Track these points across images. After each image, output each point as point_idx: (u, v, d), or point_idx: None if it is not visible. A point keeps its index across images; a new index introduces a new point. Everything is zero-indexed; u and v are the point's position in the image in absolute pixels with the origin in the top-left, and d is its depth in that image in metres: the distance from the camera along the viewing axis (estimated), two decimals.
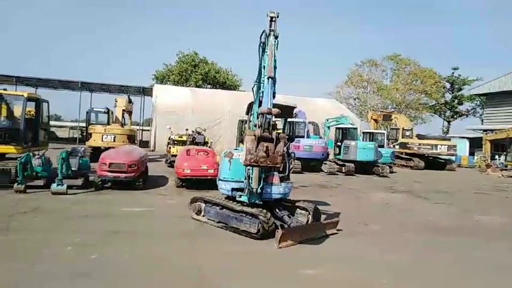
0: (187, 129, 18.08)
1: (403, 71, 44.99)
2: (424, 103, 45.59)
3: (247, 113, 7.03)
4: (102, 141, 16.42)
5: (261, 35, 6.22)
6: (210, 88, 39.91)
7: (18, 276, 4.15)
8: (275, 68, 5.91)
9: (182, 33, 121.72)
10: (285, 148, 5.72)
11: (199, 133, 17.04)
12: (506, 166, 24.66)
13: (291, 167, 6.89)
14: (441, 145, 24.63)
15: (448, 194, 13.07)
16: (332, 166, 17.57)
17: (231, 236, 6.11)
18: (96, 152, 13.99)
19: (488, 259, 5.70)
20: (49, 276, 4.19)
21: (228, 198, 6.70)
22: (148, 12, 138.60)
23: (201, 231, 6.36)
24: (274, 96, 5.91)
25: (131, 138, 17.57)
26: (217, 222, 6.55)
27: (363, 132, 22.81)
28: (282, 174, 6.43)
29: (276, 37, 6.08)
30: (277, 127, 6.22)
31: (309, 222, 6.51)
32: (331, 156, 19.38)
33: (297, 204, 6.89)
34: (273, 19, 6.14)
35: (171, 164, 15.02)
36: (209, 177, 10.22)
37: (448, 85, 49.51)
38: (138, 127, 32.78)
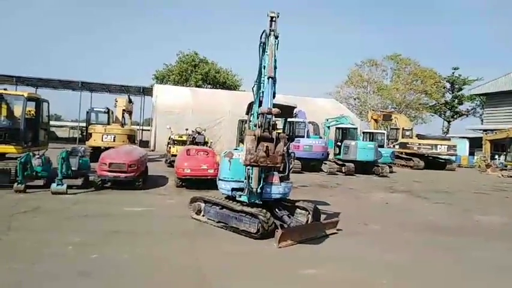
0: (187, 129, 18.09)
1: (403, 71, 44.98)
2: (424, 103, 45.58)
3: (247, 113, 7.04)
4: (102, 141, 16.43)
5: (261, 35, 6.23)
6: (210, 88, 39.93)
7: (18, 276, 4.15)
8: (275, 68, 5.92)
9: (182, 33, 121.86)
10: (285, 148, 5.73)
11: (199, 133, 17.05)
12: (506, 166, 24.66)
13: (290, 166, 6.89)
14: (441, 145, 24.64)
15: (447, 193, 13.07)
16: (332, 166, 17.57)
17: (231, 235, 6.11)
18: (96, 151, 13.99)
19: (488, 259, 5.70)
20: (49, 276, 4.20)
21: (228, 198, 6.70)
22: (148, 12, 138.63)
23: (200, 231, 6.36)
24: (274, 96, 5.92)
25: (131, 138, 17.58)
26: (217, 222, 6.55)
27: (363, 132, 22.81)
28: (281, 174, 6.43)
29: (276, 37, 6.08)
30: (277, 127, 6.22)
31: (309, 222, 6.51)
32: (331, 156, 19.39)
33: (296, 204, 6.89)
34: (273, 19, 6.15)
35: (171, 164, 15.03)
36: (209, 177, 10.22)
37: (448, 85, 49.51)
38: (138, 127, 32.77)
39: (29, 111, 11.13)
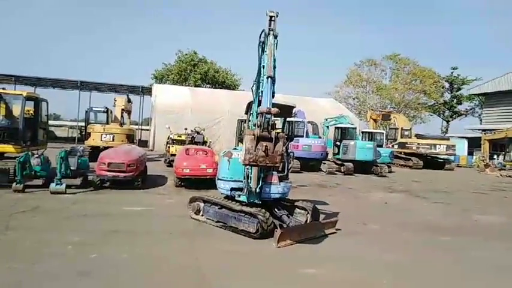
0: (186, 129, 18.09)
1: (402, 71, 45.00)
2: (423, 103, 45.61)
3: (246, 113, 7.04)
4: (101, 140, 16.42)
5: (261, 35, 6.22)
6: (209, 87, 39.90)
7: (18, 275, 4.14)
8: (274, 67, 5.92)
9: (182, 33, 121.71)
10: (284, 148, 5.72)
11: (198, 132, 17.05)
12: (504, 166, 24.72)
13: (290, 166, 6.89)
14: (440, 145, 24.68)
15: (446, 193, 13.09)
16: (331, 166, 17.58)
17: (230, 235, 6.12)
18: (95, 151, 13.98)
19: (487, 259, 5.71)
20: (49, 275, 4.19)
21: (227, 197, 6.70)
22: (148, 12, 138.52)
23: (200, 231, 6.36)
24: (273, 96, 5.92)
25: (130, 138, 17.56)
26: (216, 222, 6.55)
27: (362, 132, 22.82)
28: (281, 174, 6.44)
29: (276, 36, 6.08)
30: (277, 126, 6.22)
31: (308, 221, 6.52)
32: (330, 156, 19.40)
33: (295, 203, 6.89)
34: (273, 18, 6.14)
35: (170, 164, 15.02)
36: (208, 177, 10.21)
37: (447, 85, 49.55)
38: (137, 126, 32.76)
39: (28, 110, 11.11)
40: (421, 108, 45.15)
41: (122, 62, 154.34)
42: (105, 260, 4.72)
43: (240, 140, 13.08)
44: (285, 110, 6.86)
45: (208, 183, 9.94)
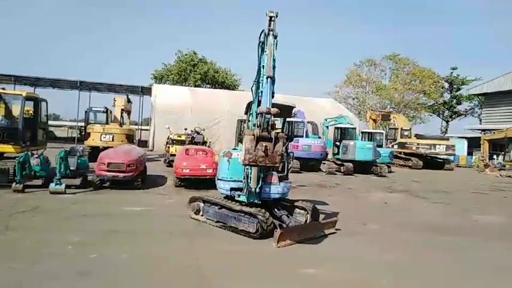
0: (186, 129, 18.10)
1: (401, 71, 45.02)
2: (423, 103, 45.63)
3: (246, 113, 7.04)
4: (101, 140, 16.40)
5: (260, 35, 6.22)
6: (209, 88, 39.90)
7: (18, 275, 4.14)
8: (274, 67, 5.92)
9: (182, 33, 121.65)
10: (283, 148, 5.72)
11: (198, 133, 17.06)
12: (504, 166, 24.71)
13: (289, 166, 6.90)
14: (439, 145, 24.68)
15: (446, 193, 13.10)
16: (331, 166, 17.59)
17: (230, 235, 6.12)
18: (95, 151, 13.97)
19: (487, 259, 5.72)
20: (49, 275, 4.19)
21: (227, 197, 6.70)
22: (148, 12, 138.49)
23: (199, 231, 6.37)
24: (273, 96, 5.92)
25: (130, 138, 17.56)
26: (216, 222, 6.55)
27: (362, 132, 22.83)
28: (280, 174, 6.44)
29: (275, 37, 6.08)
30: (276, 127, 6.22)
31: (308, 221, 6.52)
32: (329, 156, 19.41)
33: (295, 203, 6.89)
34: (272, 19, 6.14)
35: (169, 164, 15.02)
36: (208, 177, 10.21)
37: (446, 85, 49.56)
38: (136, 126, 32.76)
39: (27, 110, 11.11)
40: (420, 109, 45.17)
41: (122, 62, 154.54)
42: (105, 260, 4.72)
43: (240, 140, 13.09)
44: (285, 110, 6.86)
45: (208, 183, 9.94)
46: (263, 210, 5.98)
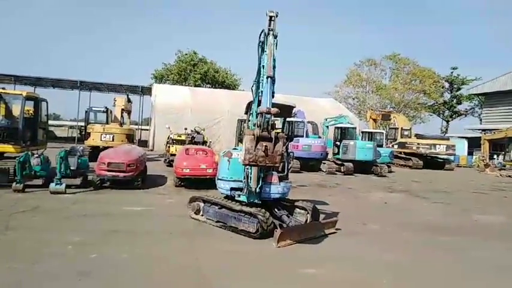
0: (186, 129, 18.10)
1: (402, 71, 45.00)
2: (423, 103, 45.61)
3: (246, 113, 7.03)
4: (101, 140, 16.41)
5: (260, 34, 6.22)
6: (209, 87, 39.90)
7: (18, 275, 4.14)
8: (274, 67, 5.91)
9: (182, 33, 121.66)
10: (283, 147, 5.72)
11: (198, 132, 17.07)
12: (504, 166, 24.72)
13: (289, 166, 6.90)
14: (440, 145, 24.66)
15: (446, 193, 13.09)
16: (331, 166, 17.58)
17: (230, 235, 6.12)
18: (95, 151, 13.99)
19: (487, 259, 5.72)
20: (49, 275, 4.19)
21: (227, 197, 6.70)
22: (148, 12, 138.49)
23: (199, 231, 6.36)
24: (273, 96, 5.92)
25: (130, 138, 17.56)
26: (216, 222, 6.55)
27: (362, 132, 22.82)
28: (280, 174, 6.44)
29: (275, 36, 6.07)
30: (276, 126, 6.22)
31: (308, 221, 6.52)
32: (330, 156, 19.40)
33: (295, 203, 6.89)
34: (272, 18, 6.14)
35: (170, 164, 15.01)
36: (208, 177, 10.21)
37: (447, 85, 49.55)
38: (137, 126, 32.76)
39: (28, 110, 11.11)
40: (420, 108, 45.14)
41: (122, 62, 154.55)
42: (105, 260, 4.72)
43: (240, 140, 13.09)
44: (285, 110, 6.86)
45: (208, 183, 9.94)
46: (263, 210, 5.97)
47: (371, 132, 23.28)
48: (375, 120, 28.45)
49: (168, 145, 17.19)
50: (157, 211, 7.75)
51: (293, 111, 8.98)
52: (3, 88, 11.48)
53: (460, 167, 28.55)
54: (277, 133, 5.69)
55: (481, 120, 41.45)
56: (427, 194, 12.51)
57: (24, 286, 3.93)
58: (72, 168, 9.62)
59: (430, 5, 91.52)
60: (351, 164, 17.50)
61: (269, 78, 5.80)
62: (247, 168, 5.95)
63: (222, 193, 6.81)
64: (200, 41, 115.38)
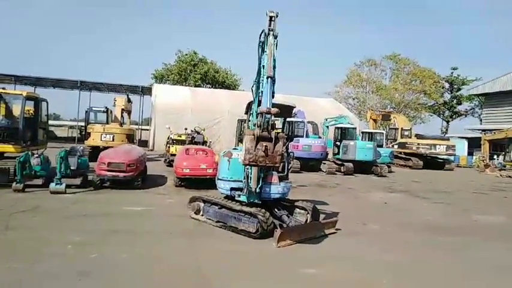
0: (186, 129, 18.10)
1: (402, 71, 45.01)
2: (423, 103, 45.63)
3: (246, 113, 7.03)
4: (101, 140, 16.41)
5: (260, 35, 6.22)
6: (209, 87, 39.92)
7: (18, 275, 4.14)
8: (274, 67, 5.92)
9: (182, 33, 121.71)
10: (284, 148, 5.72)
11: (198, 132, 17.07)
12: (504, 166, 24.72)
13: (289, 166, 6.90)
14: (440, 145, 24.67)
15: (446, 193, 13.09)
16: (331, 166, 17.58)
17: (230, 235, 6.12)
18: (95, 151, 13.98)
19: (487, 259, 5.72)
20: (49, 275, 4.19)
21: (227, 197, 6.70)
22: (148, 12, 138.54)
23: (199, 231, 6.36)
24: (273, 96, 5.92)
25: (130, 138, 17.56)
26: (216, 222, 6.55)
27: (362, 132, 22.83)
28: (280, 174, 6.44)
29: (275, 36, 6.08)
30: (276, 127, 6.22)
31: (308, 221, 6.52)
32: (330, 156, 19.40)
33: (295, 203, 6.89)
34: (272, 18, 6.14)
35: (170, 164, 15.02)
36: (208, 177, 10.21)
37: (447, 85, 49.56)
38: (137, 126, 32.76)
39: (28, 110, 11.11)
40: (421, 109, 45.17)
41: (122, 62, 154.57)
42: (105, 260, 4.72)
43: (240, 140, 13.09)
44: (285, 110, 6.86)
45: (208, 183, 9.94)
46: (263, 210, 5.97)
47: (371, 133, 23.28)
48: (375, 120, 28.45)
49: (168, 145, 17.20)
50: (157, 211, 7.75)
51: (293, 111, 8.98)
52: (3, 88, 11.48)
53: (460, 167, 28.55)
54: (277, 133, 5.70)
55: (481, 120, 41.45)
56: (427, 194, 12.51)
57: (24, 286, 3.93)
58: (72, 168, 9.61)
59: (430, 5, 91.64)
60: (351, 164, 17.50)
61: (269, 78, 5.80)
62: (247, 168, 5.95)
63: (222, 193, 6.81)
64: (200, 41, 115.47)
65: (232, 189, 6.49)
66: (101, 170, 9.55)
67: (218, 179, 6.84)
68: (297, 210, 6.82)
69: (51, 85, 33.93)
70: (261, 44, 6.25)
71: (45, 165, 9.67)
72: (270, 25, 6.13)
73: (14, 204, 7.52)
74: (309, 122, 19.23)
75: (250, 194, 6.12)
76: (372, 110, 32.61)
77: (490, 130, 31.21)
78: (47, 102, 11.75)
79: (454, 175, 21.74)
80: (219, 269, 4.68)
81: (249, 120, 6.61)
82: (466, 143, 32.01)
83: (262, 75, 6.09)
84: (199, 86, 39.71)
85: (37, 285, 3.99)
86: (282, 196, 6.49)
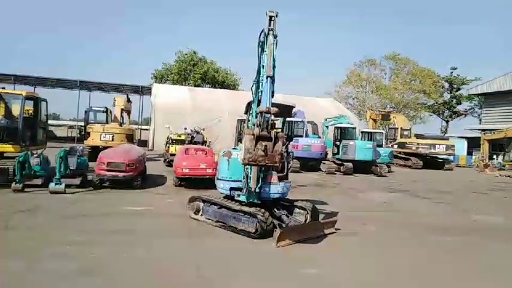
0: (185, 129, 18.11)
1: (401, 71, 45.06)
2: (423, 103, 45.66)
3: (246, 112, 7.03)
4: (101, 140, 16.42)
5: (260, 34, 6.22)
6: (209, 87, 39.92)
7: (18, 275, 4.14)
8: (274, 67, 5.91)
9: (182, 34, 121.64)
10: (283, 147, 5.73)
11: (197, 132, 17.08)
12: (503, 166, 24.74)
13: (289, 166, 6.90)
14: (439, 145, 24.67)
15: (445, 193, 13.09)
16: (330, 165, 17.59)
17: (229, 235, 6.12)
18: (95, 151, 13.99)
19: (487, 259, 5.72)
20: (49, 275, 4.19)
21: (227, 197, 6.70)
22: (149, 12, 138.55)
23: (199, 231, 6.36)
24: (273, 96, 5.92)
25: (130, 138, 17.57)
26: (216, 222, 6.55)
27: (361, 132, 22.80)
28: (280, 174, 6.44)
29: (275, 36, 6.07)
30: (276, 126, 6.22)
31: (307, 221, 6.52)
32: (329, 156, 19.40)
33: (295, 203, 6.89)
34: (272, 18, 6.14)
35: (169, 163, 15.02)
36: (208, 177, 10.22)
37: (446, 85, 49.58)
38: (136, 126, 32.76)
39: (27, 110, 11.13)
40: (420, 108, 45.19)
41: (122, 61, 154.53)
42: (104, 260, 4.72)
43: (240, 139, 13.07)
44: (285, 110, 6.86)
45: (208, 183, 9.94)
46: (263, 210, 5.97)
47: (371, 132, 23.27)
48: (374, 120, 28.44)
49: (167, 145, 17.20)
50: (156, 211, 7.75)
51: (293, 111, 8.98)
52: (3, 88, 11.51)
53: (460, 167, 28.55)
54: (277, 133, 5.69)
55: (480, 120, 41.44)
56: (427, 194, 12.51)
57: (24, 286, 3.93)
58: (71, 168, 9.61)
59: (430, 5, 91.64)
60: (350, 164, 17.51)
61: (269, 78, 5.80)
62: (247, 168, 5.95)
63: (221, 193, 6.81)
64: (200, 41, 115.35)
65: (231, 189, 6.49)
66: (101, 169, 9.55)
67: (218, 178, 6.84)
68: (297, 210, 6.82)
69: (51, 85, 33.91)
70: (260, 43, 6.24)
71: (44, 165, 9.66)
72: (269, 25, 6.12)
73: (13, 204, 7.52)
74: (308, 122, 19.24)
75: (249, 193, 6.12)
76: (371, 109, 32.59)
77: (490, 130, 31.22)
78: (47, 102, 11.76)
79: (454, 175, 21.75)
80: (219, 269, 4.68)
81: (249, 120, 6.61)
82: (465, 142, 32.02)
83: (261, 75, 6.09)
84: (199, 85, 39.71)
85: (37, 285, 3.98)
86: (281, 196, 6.50)
